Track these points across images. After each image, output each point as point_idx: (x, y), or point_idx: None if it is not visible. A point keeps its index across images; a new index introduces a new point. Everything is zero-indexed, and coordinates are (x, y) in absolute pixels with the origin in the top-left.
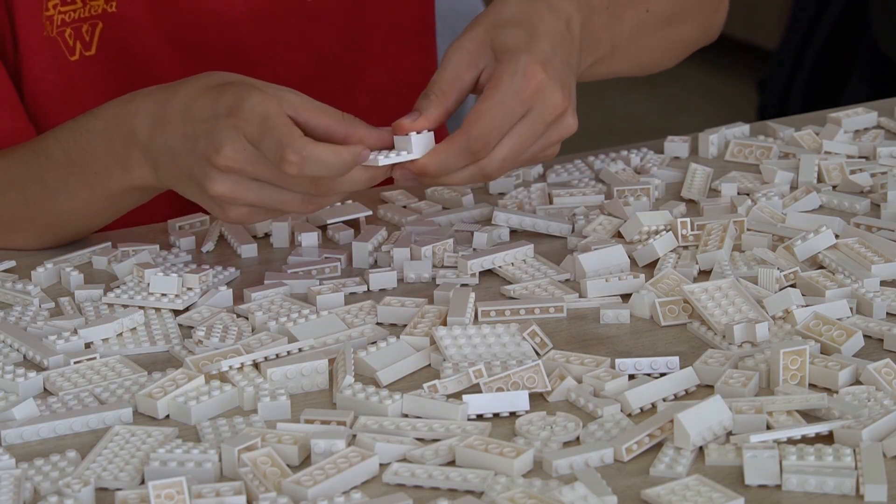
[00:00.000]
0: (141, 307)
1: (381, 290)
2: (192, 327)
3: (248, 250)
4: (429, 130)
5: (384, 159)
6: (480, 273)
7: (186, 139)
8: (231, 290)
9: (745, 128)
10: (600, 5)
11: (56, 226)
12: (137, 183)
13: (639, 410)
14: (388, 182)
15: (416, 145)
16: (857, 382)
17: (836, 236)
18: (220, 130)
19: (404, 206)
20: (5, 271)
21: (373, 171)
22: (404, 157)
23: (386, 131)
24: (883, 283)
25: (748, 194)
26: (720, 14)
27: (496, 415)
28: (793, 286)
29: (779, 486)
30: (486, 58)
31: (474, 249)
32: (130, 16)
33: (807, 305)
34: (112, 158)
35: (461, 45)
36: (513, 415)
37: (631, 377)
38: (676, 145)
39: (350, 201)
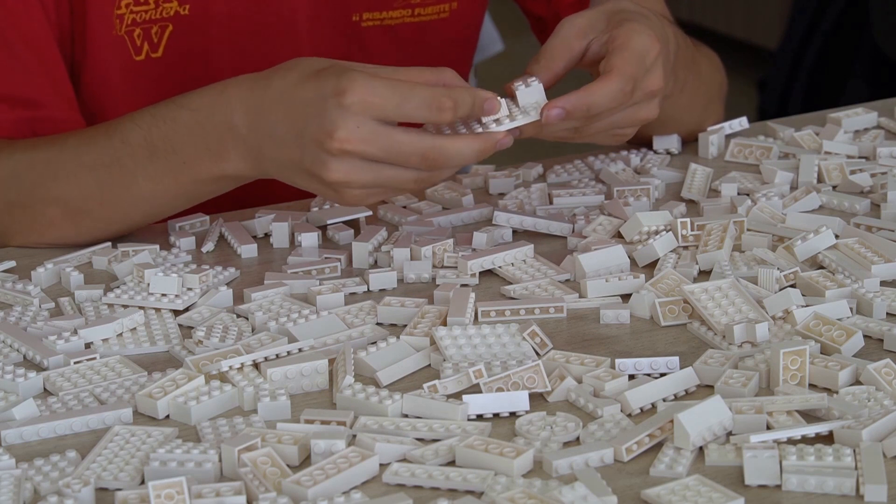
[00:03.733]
0: (141, 307)
1: (381, 290)
2: (192, 327)
3: (248, 250)
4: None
5: (497, 126)
6: (480, 273)
7: (292, 125)
8: (231, 290)
9: (743, 119)
10: (677, 49)
11: (129, 209)
12: (231, 172)
13: (639, 410)
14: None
15: (530, 107)
16: (857, 382)
17: (836, 236)
18: (331, 113)
19: (404, 207)
20: (5, 271)
21: (482, 144)
22: (520, 120)
23: (481, 92)
24: (883, 283)
25: (748, 194)
26: (707, 121)
27: (496, 415)
28: (793, 286)
29: (779, 486)
30: (596, 31)
31: (474, 249)
32: (201, 20)
33: (807, 305)
34: (203, 149)
35: (574, 18)
36: (513, 415)
37: (631, 377)
38: (664, 139)
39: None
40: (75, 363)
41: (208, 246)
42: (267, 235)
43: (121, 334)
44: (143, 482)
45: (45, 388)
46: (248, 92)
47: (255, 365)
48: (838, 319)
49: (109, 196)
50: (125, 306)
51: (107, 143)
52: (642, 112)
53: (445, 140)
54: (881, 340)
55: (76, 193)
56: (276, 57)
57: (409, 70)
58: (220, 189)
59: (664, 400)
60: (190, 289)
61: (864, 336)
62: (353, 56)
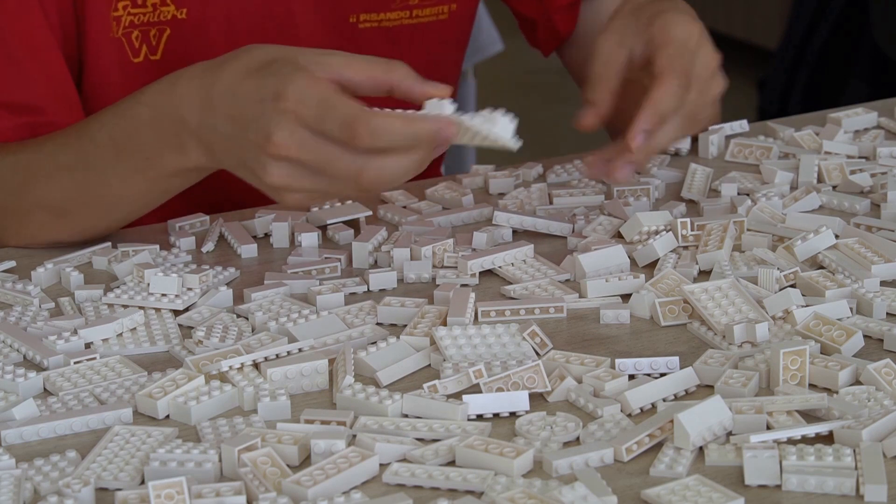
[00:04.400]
0: (141, 307)
1: (381, 290)
2: (192, 327)
3: (248, 250)
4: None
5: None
6: (480, 273)
7: (235, 123)
8: (231, 290)
9: (743, 122)
10: None
11: (108, 210)
12: (192, 165)
13: (639, 410)
14: (431, 174)
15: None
16: (857, 382)
17: (836, 236)
18: (268, 116)
19: (404, 207)
20: (5, 271)
21: (416, 164)
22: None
23: (432, 86)
24: (883, 283)
25: (748, 194)
26: None
27: (496, 415)
28: (793, 286)
29: (779, 486)
30: (632, 37)
31: (474, 249)
32: (199, 24)
33: (807, 305)
34: (164, 144)
35: (608, 32)
36: (513, 415)
37: (631, 377)
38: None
39: (350, 201)
40: (75, 363)
41: (208, 246)
42: (267, 235)
43: (121, 334)
44: (143, 482)
45: (45, 388)
46: (196, 85)
47: (255, 365)
48: (838, 319)
49: (87, 198)
50: (125, 306)
51: (78, 144)
52: (712, 89)
53: (378, 161)
54: (881, 340)
55: (57, 196)
56: None
57: (358, 61)
58: (189, 181)
59: (664, 400)
60: (190, 289)
61: (864, 336)
62: None
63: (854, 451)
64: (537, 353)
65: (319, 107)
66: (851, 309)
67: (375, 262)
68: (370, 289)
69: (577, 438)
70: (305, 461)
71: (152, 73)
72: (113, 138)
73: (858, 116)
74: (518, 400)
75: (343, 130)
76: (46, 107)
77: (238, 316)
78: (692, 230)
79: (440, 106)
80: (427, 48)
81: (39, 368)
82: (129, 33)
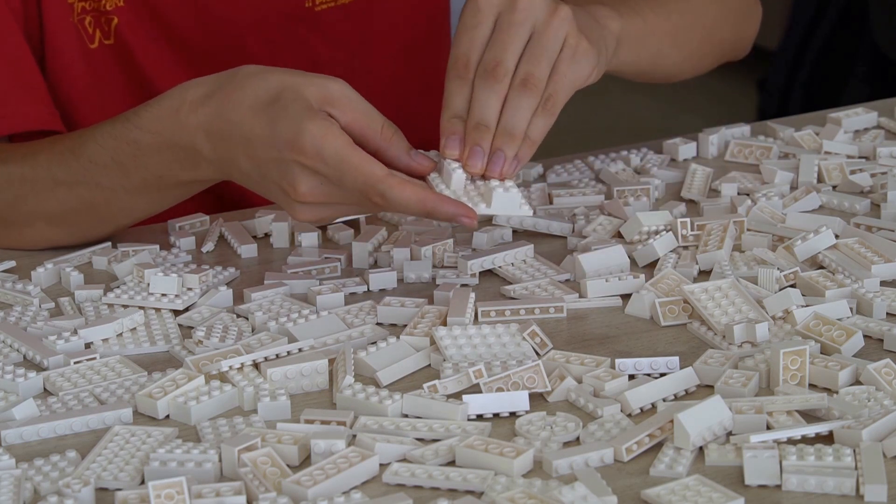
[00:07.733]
0: (141, 307)
1: (381, 290)
2: (192, 327)
3: (248, 250)
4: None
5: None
6: (480, 273)
7: (255, 164)
8: (231, 290)
9: (745, 128)
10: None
11: (115, 218)
12: (207, 178)
13: (639, 410)
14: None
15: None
16: (857, 382)
17: (836, 236)
18: (289, 168)
19: None
20: (5, 271)
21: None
22: (483, 209)
23: (419, 160)
24: (883, 283)
25: (748, 194)
26: (753, 23)
27: (496, 415)
28: (793, 286)
29: (779, 486)
30: None
31: (474, 249)
32: (137, 15)
33: (807, 305)
34: (175, 165)
35: None
36: (513, 415)
37: (631, 377)
38: (687, 147)
39: None
40: (75, 363)
41: (208, 246)
42: (267, 235)
43: (121, 334)
44: (143, 482)
45: (45, 388)
46: (203, 118)
47: (255, 365)
48: (838, 319)
49: (92, 210)
50: (125, 306)
51: (75, 163)
52: (553, 29)
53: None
54: (881, 340)
55: (58, 208)
56: (218, 55)
57: (356, 110)
58: (205, 186)
59: (664, 400)
60: (190, 289)
61: (864, 336)
62: (311, 42)
63: (854, 451)
64: (537, 353)
65: (337, 166)
66: (851, 309)
67: (375, 262)
68: (370, 289)
69: (577, 438)
70: (305, 461)
71: (109, 58)
72: (116, 161)
73: (858, 116)
74: (518, 400)
75: (361, 192)
76: (12, 99)
77: (238, 316)
78: (692, 230)
79: (451, 171)
80: (392, 18)
81: (39, 368)
82: (82, 20)
